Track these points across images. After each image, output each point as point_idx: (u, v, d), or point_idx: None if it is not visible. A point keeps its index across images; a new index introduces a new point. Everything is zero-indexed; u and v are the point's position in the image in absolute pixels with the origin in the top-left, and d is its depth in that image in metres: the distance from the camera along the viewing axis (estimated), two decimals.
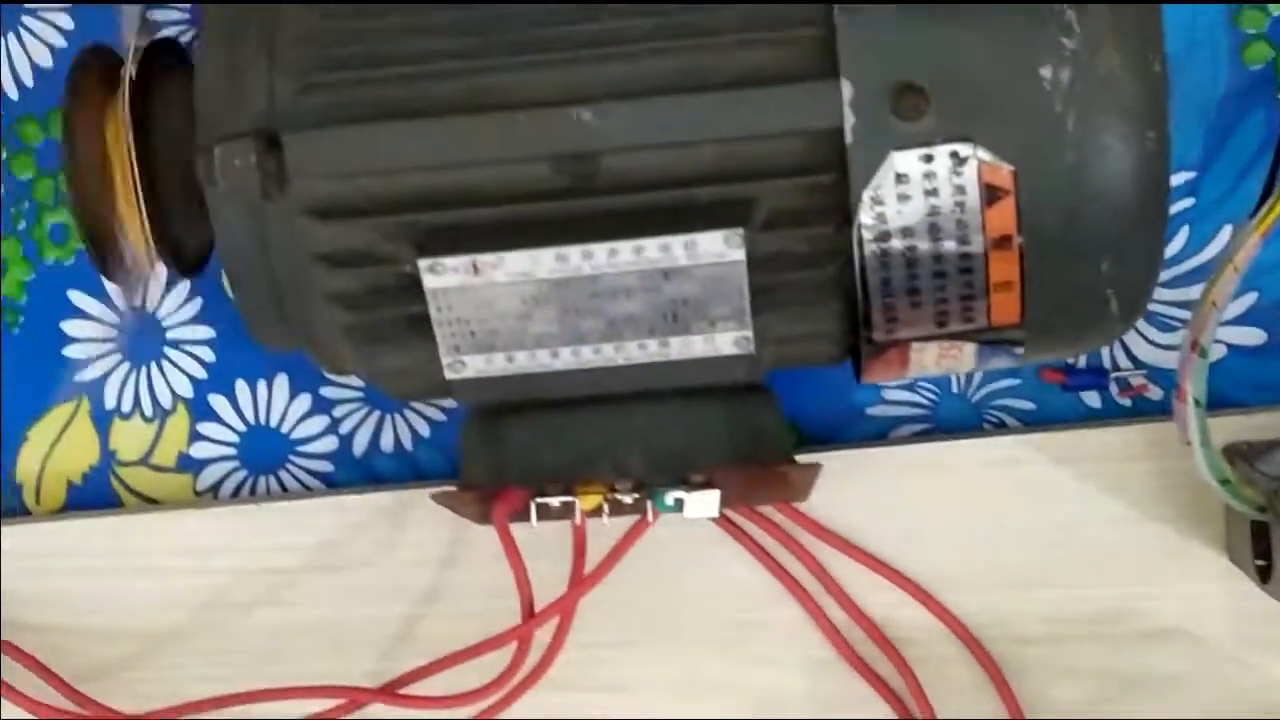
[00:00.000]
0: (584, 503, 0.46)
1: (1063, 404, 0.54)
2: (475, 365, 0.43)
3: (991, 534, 0.53)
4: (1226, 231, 0.52)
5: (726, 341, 0.42)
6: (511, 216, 0.41)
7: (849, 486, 0.53)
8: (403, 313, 0.43)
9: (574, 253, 0.41)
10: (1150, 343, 0.53)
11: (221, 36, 0.43)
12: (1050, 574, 0.53)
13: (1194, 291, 0.52)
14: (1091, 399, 0.54)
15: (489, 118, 0.41)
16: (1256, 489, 0.48)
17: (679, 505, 0.46)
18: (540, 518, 0.46)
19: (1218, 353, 0.53)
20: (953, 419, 0.54)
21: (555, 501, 0.46)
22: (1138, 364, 0.53)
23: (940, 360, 0.43)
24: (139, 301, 0.54)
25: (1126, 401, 0.53)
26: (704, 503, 0.46)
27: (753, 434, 0.44)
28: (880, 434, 0.55)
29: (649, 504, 0.46)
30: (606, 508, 0.46)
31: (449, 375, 0.43)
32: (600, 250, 0.41)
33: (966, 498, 0.53)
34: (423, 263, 0.41)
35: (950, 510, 0.53)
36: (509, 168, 0.41)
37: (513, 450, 0.45)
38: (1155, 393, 0.53)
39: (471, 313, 0.42)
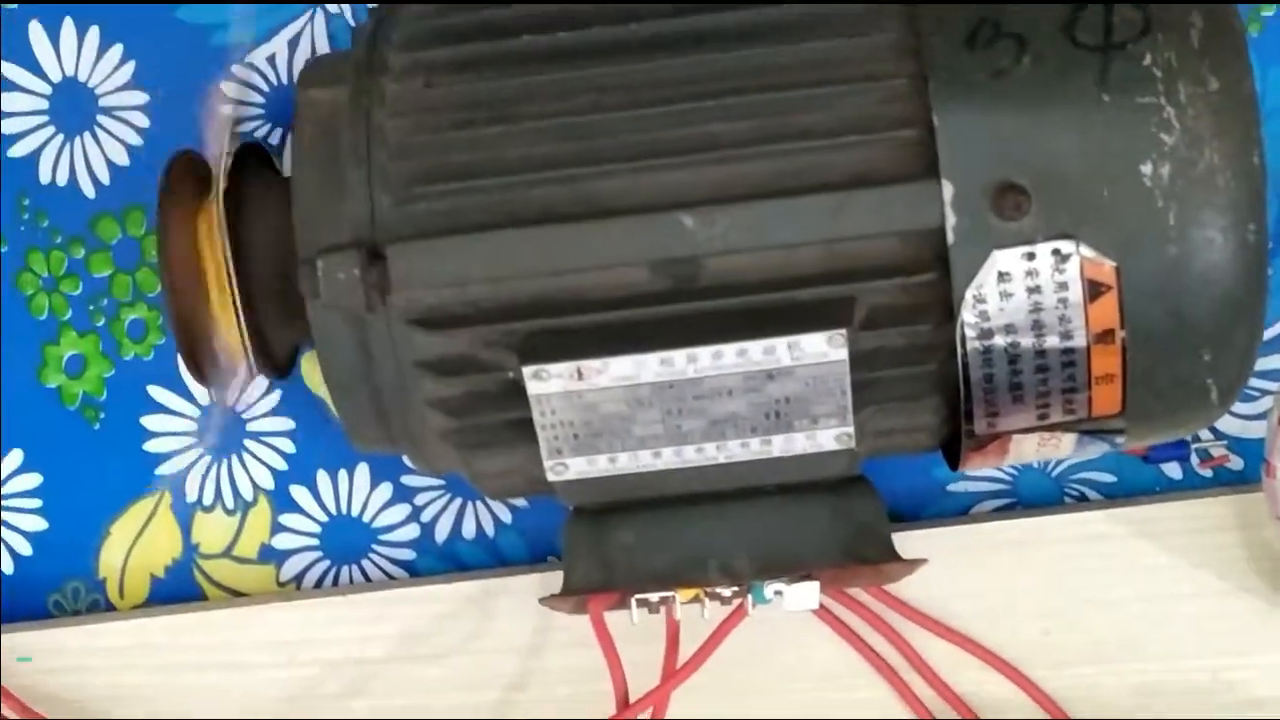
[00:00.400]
0: (682, 596, 0.46)
1: (1144, 476, 0.54)
2: (578, 467, 0.43)
3: (1077, 608, 0.53)
4: None
5: (828, 438, 0.43)
6: (615, 321, 0.42)
7: (933, 563, 0.53)
8: (505, 417, 0.43)
9: (678, 356, 0.41)
10: (1231, 413, 0.53)
11: (316, 146, 0.44)
12: (1138, 647, 0.53)
13: (1277, 360, 0.52)
14: (1172, 470, 0.54)
15: (591, 225, 0.41)
16: None
17: (778, 596, 0.46)
18: (639, 611, 0.47)
19: None
20: (1034, 493, 0.55)
21: (654, 596, 0.46)
22: (1218, 435, 0.53)
23: (1039, 449, 0.44)
24: (233, 401, 0.54)
25: (1207, 472, 0.54)
26: (804, 595, 0.46)
27: (857, 529, 0.44)
28: (962, 510, 0.55)
29: (748, 596, 0.46)
30: (704, 599, 0.46)
31: (551, 477, 0.44)
32: (704, 353, 0.41)
33: (1051, 572, 0.53)
34: (527, 370, 0.41)
35: (1035, 585, 0.53)
36: (612, 273, 0.41)
37: (617, 552, 0.45)
38: (1236, 463, 0.54)
39: (575, 416, 0.42)
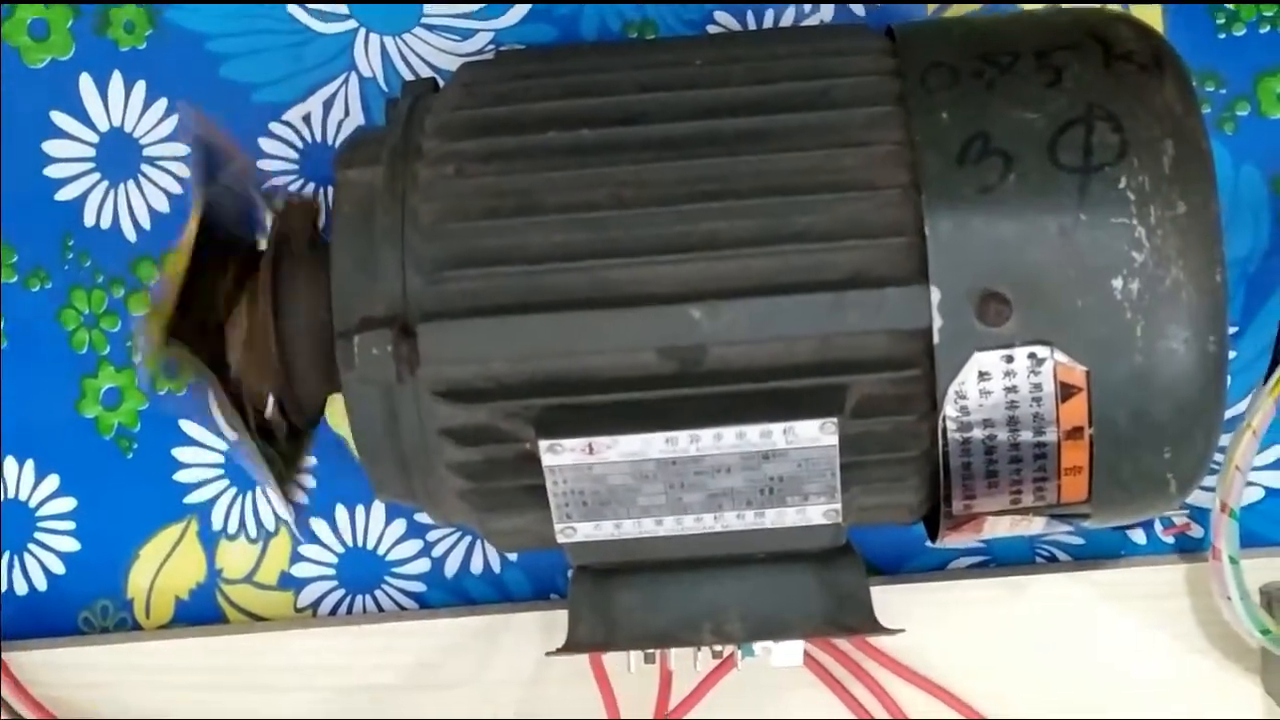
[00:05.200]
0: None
1: (1110, 540, 0.58)
2: (585, 531, 0.47)
3: (1044, 664, 0.57)
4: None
5: (817, 513, 0.46)
6: (625, 401, 0.45)
7: (910, 616, 0.56)
8: (520, 483, 0.46)
9: (682, 436, 0.45)
10: None
11: (354, 225, 0.47)
12: (1101, 702, 0.57)
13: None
14: (1137, 536, 0.58)
15: (606, 313, 0.44)
16: None
17: (766, 652, 0.50)
18: (636, 661, 0.50)
19: (1256, 495, 0.57)
20: (1008, 552, 0.58)
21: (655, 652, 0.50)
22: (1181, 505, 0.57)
23: (1013, 528, 0.47)
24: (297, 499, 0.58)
25: (1170, 539, 0.57)
26: (789, 652, 0.49)
27: (841, 599, 0.48)
28: (939, 565, 0.58)
29: (737, 652, 0.50)
30: (697, 651, 0.50)
31: (560, 539, 0.47)
32: (706, 435, 0.45)
33: (1020, 629, 0.57)
34: (542, 443, 0.45)
35: (1006, 640, 0.57)
36: (623, 357, 0.45)
37: (619, 612, 0.48)
38: (1197, 531, 0.57)
39: (585, 486, 0.46)
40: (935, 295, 0.43)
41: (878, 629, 0.48)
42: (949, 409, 0.44)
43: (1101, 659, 0.57)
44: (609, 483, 0.46)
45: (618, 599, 0.48)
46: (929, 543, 0.49)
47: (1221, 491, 0.52)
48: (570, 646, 0.48)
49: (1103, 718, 0.57)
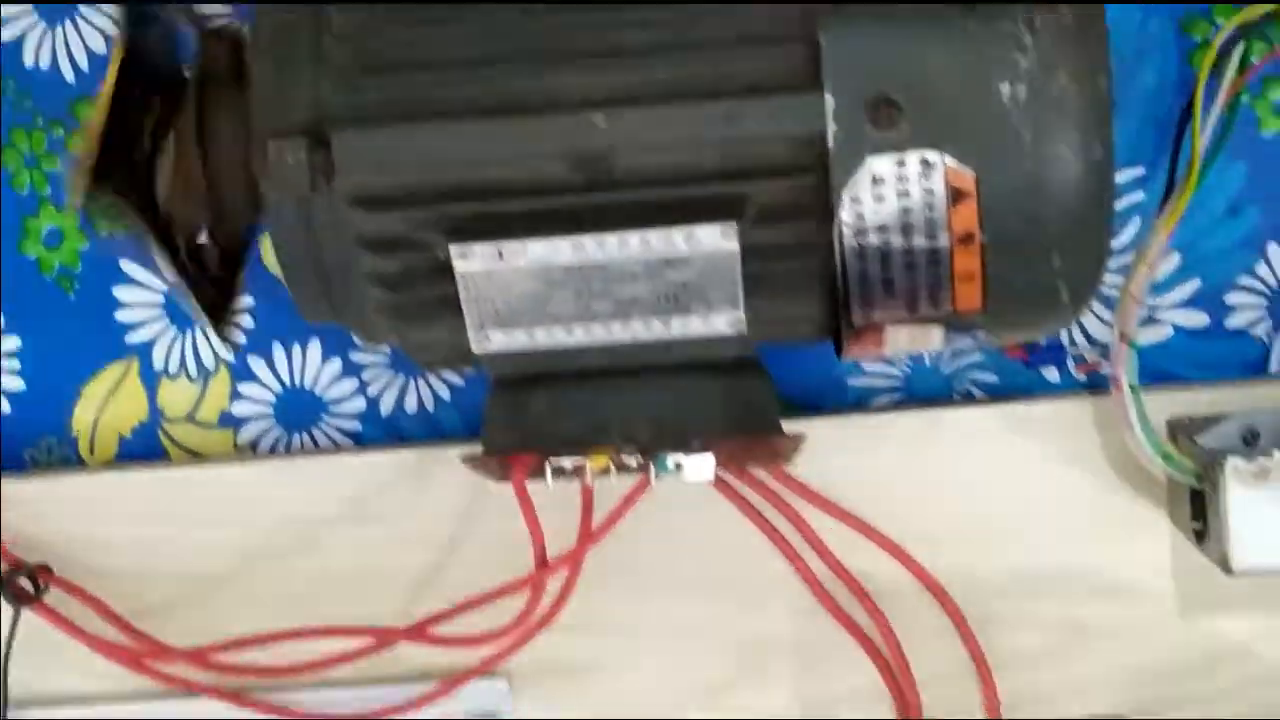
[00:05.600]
0: (593, 464, 0.51)
1: (1025, 379, 0.59)
2: (498, 340, 0.48)
3: (959, 497, 0.58)
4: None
5: (721, 322, 0.48)
6: (534, 208, 0.46)
7: (831, 451, 0.58)
8: (434, 293, 0.48)
9: (589, 242, 0.46)
10: (1105, 323, 0.58)
11: (272, 39, 0.48)
12: (1013, 534, 0.58)
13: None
14: (1051, 374, 0.59)
15: (514, 120, 0.46)
16: (1194, 460, 0.54)
17: (678, 469, 0.51)
18: (555, 478, 0.52)
19: (1164, 334, 0.58)
20: (925, 390, 0.60)
21: (568, 464, 0.51)
22: (1092, 342, 0.59)
23: (912, 340, 0.49)
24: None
25: (1082, 377, 0.59)
26: (700, 467, 0.51)
27: (746, 407, 0.50)
28: (859, 403, 0.60)
29: (651, 467, 0.51)
30: (613, 469, 0.52)
31: (475, 349, 0.49)
32: (612, 240, 0.46)
33: (937, 463, 0.58)
34: (454, 248, 0.46)
35: (922, 475, 0.58)
36: (532, 164, 0.46)
37: (532, 419, 0.50)
38: (1108, 368, 0.58)
39: (496, 294, 0.47)
40: (829, 102, 0.45)
41: (780, 434, 0.50)
42: (844, 215, 0.46)
43: (1015, 490, 0.58)
44: (519, 290, 0.47)
45: (531, 406, 0.50)
46: (837, 357, 0.50)
47: (1119, 321, 0.53)
48: (485, 452, 0.50)
49: (1016, 549, 0.58)
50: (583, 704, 0.60)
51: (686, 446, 0.50)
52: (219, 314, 0.59)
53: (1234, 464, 0.51)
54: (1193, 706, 0.58)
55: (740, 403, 0.50)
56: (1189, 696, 0.58)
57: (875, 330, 0.48)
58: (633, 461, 0.51)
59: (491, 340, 0.48)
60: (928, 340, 0.49)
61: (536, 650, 0.58)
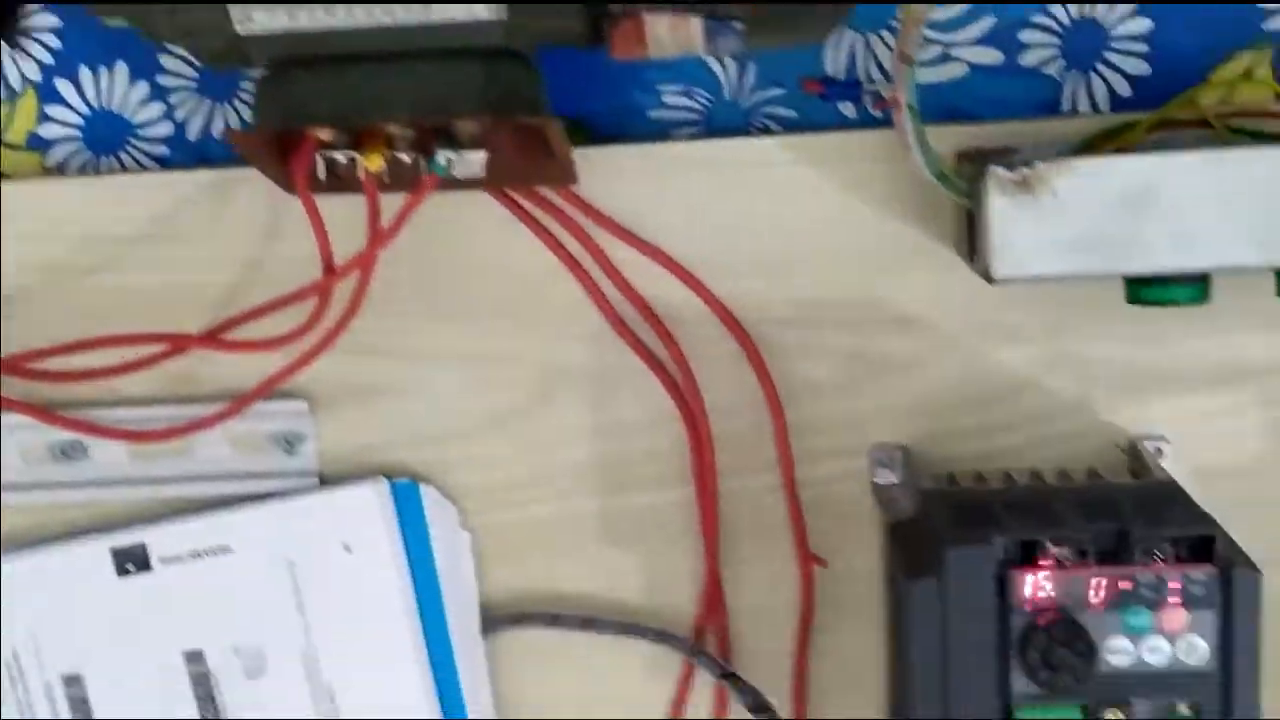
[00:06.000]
0: (369, 163, 0.52)
1: (822, 113, 0.60)
2: (262, 21, 0.49)
3: (752, 226, 0.59)
4: None
5: (481, 9, 0.48)
6: None
7: (628, 178, 0.59)
8: None
9: None
10: None
11: None
12: (804, 264, 0.59)
13: (941, 10, 0.58)
14: (847, 109, 0.60)
15: None
16: (969, 181, 0.54)
17: (450, 165, 0.52)
18: (329, 174, 0.52)
19: (958, 71, 0.59)
20: (725, 123, 0.60)
21: (342, 158, 0.52)
22: (888, 78, 0.59)
23: (674, 35, 0.49)
24: None
25: (878, 113, 0.59)
26: (470, 163, 0.52)
27: (507, 89, 0.50)
28: (660, 134, 0.61)
29: (426, 164, 0.52)
30: (387, 169, 0.52)
31: (239, 29, 0.49)
32: None
33: (732, 193, 0.59)
34: None
35: (717, 204, 0.59)
36: None
37: (298, 97, 0.51)
38: None
39: None
40: None
41: (541, 115, 0.50)
42: None
43: (806, 220, 0.59)
44: None
45: (297, 86, 0.51)
46: (609, 56, 0.51)
47: (900, 42, 0.54)
48: (254, 127, 0.51)
49: (805, 278, 0.59)
50: (378, 426, 0.61)
51: (454, 136, 0.51)
52: (6, 22, 0.58)
53: (996, 173, 0.52)
54: (971, 439, 0.60)
55: (501, 85, 0.50)
56: (968, 430, 0.60)
57: (635, 20, 0.49)
58: (407, 159, 0.52)
59: (254, 20, 0.49)
60: (689, 33, 0.49)
61: (333, 371, 0.59)
